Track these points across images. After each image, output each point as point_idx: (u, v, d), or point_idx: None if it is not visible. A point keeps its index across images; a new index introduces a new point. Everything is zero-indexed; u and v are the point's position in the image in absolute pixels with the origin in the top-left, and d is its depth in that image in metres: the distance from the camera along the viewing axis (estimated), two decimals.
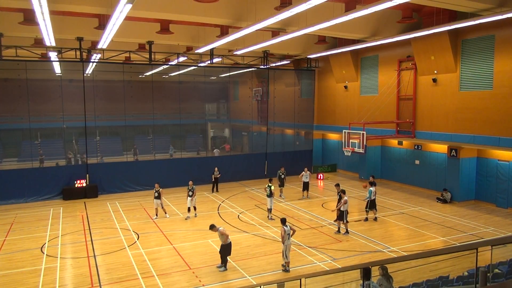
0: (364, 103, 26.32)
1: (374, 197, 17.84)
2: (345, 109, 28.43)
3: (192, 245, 14.99)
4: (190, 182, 18.52)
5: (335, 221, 16.50)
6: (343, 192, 16.29)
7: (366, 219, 17.85)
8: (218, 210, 20.04)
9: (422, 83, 22.53)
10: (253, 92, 30.66)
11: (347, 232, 15.97)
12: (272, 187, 18.15)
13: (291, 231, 12.57)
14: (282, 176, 22.45)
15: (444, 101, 21.32)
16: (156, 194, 18.34)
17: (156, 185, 18.50)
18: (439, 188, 22.45)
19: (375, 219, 17.92)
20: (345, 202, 15.87)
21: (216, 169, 24.32)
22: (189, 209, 18.49)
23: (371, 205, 17.81)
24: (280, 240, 12.58)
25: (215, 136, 36.57)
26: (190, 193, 18.33)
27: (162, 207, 18.47)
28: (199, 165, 26.53)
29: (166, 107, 28.56)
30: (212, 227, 12.71)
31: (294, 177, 26.55)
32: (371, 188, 17.75)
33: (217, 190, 24.20)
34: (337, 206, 16.26)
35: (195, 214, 18.57)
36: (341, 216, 15.95)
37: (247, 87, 30.75)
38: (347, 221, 16.01)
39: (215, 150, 31.19)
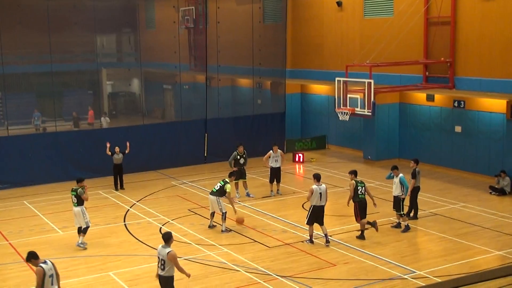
0: (371, 31, 26.40)
1: (401, 194, 18.37)
2: (339, 42, 28.42)
3: (78, 282, 14.93)
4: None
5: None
6: (354, 174, 17.75)
7: (408, 227, 18.39)
8: (124, 221, 19.89)
9: None
10: (180, 14, 30.18)
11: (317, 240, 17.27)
12: (228, 187, 18.48)
13: None
14: (242, 162, 22.52)
15: (503, 26, 21.66)
16: None
17: None
18: (494, 171, 23.02)
19: (399, 225, 18.42)
20: (311, 192, 16.95)
21: (117, 149, 23.98)
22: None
23: (399, 204, 18.30)
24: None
25: (115, 93, 35.93)
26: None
27: None
28: (87, 143, 26.11)
29: (25, 43, 27.56)
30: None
31: (254, 160, 26.43)
32: (401, 175, 18.32)
33: (121, 186, 24.19)
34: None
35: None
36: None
37: (169, 5, 30.21)
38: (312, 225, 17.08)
39: (102, 118, 30.41)
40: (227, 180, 18.55)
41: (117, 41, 35.79)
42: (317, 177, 17.08)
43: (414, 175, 18.90)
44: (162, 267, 12.10)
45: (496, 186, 22.13)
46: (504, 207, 20.60)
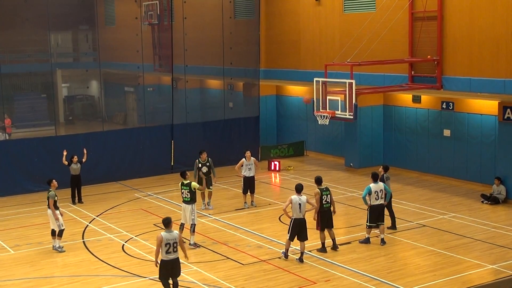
0: (351, 27, 26.40)
1: (378, 202, 18.28)
2: (317, 39, 28.46)
3: None
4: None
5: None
6: (318, 182, 17.74)
7: (368, 240, 18.45)
8: (83, 238, 19.83)
9: None
10: (143, 9, 30.08)
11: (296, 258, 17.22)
12: (195, 185, 18.39)
13: None
14: (205, 170, 22.35)
15: (494, 21, 21.71)
16: None
17: None
18: (487, 179, 23.35)
19: (382, 241, 18.41)
20: (290, 202, 16.97)
21: (74, 158, 23.84)
22: None
23: (376, 215, 18.18)
24: None
25: (71, 96, 35.75)
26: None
27: None
28: (40, 152, 25.98)
29: None
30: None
31: (226, 169, 26.69)
32: (370, 185, 18.20)
33: (79, 199, 24.12)
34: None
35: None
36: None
37: (130, 0, 30.22)
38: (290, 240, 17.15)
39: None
40: (185, 182, 18.34)
41: (73, 39, 35.49)
42: (297, 189, 16.99)
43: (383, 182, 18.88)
44: (175, 249, 13.87)
45: (489, 195, 22.30)
46: (497, 217, 20.84)
